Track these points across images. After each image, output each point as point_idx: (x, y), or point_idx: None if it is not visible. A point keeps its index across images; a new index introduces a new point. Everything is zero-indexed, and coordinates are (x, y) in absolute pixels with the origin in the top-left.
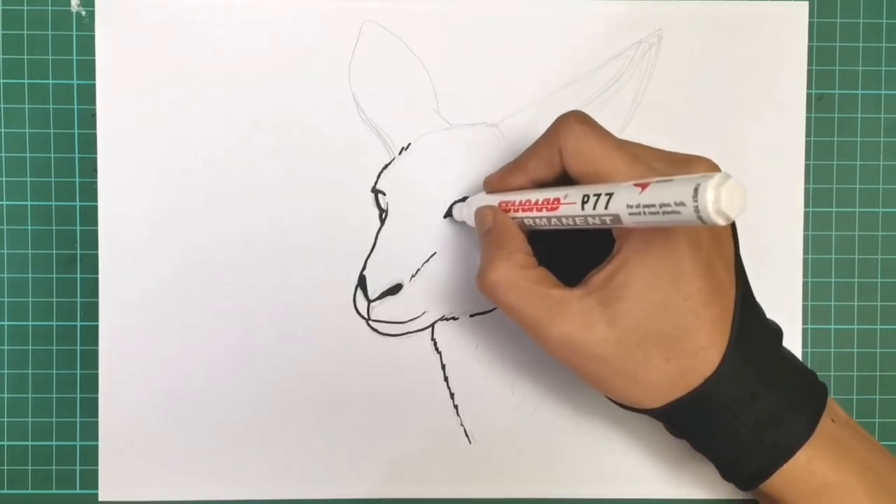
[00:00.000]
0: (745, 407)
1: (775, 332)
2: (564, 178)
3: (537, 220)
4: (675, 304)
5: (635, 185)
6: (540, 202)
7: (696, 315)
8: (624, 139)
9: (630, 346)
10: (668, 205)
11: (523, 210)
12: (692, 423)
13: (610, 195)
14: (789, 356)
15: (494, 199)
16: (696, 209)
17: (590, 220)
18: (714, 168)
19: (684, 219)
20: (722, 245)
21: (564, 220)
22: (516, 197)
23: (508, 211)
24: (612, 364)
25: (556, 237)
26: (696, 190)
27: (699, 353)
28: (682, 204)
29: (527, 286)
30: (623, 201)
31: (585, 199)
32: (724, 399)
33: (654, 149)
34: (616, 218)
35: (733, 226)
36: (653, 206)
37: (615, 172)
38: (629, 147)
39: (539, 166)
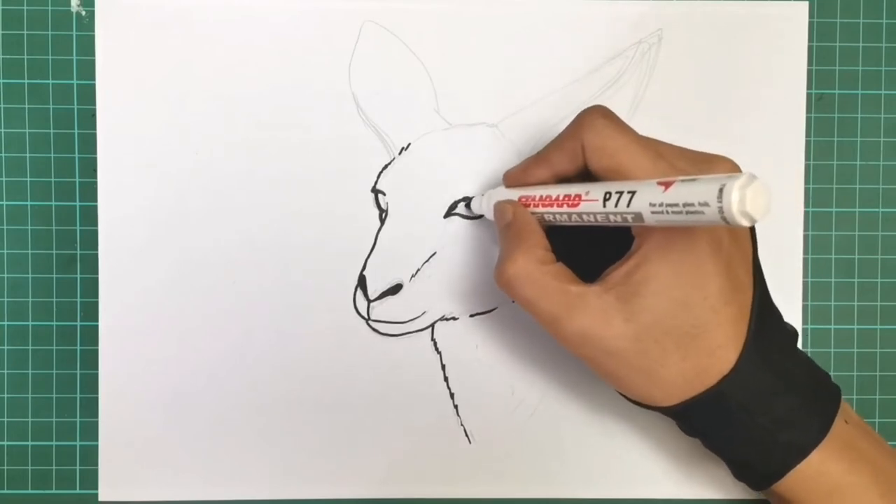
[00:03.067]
0: (760, 407)
1: (791, 333)
2: (587, 174)
3: (557, 216)
4: (694, 301)
5: (658, 183)
6: (560, 198)
7: (714, 313)
8: (646, 136)
9: (648, 342)
10: (691, 204)
11: (543, 205)
12: (706, 421)
13: (633, 193)
14: (804, 358)
15: (514, 194)
16: (721, 210)
17: (611, 217)
18: (736, 168)
19: (708, 219)
20: (741, 246)
21: (585, 217)
22: (536, 192)
23: (528, 206)
24: (629, 360)
25: (573, 233)
26: (720, 190)
27: (716, 351)
28: (706, 204)
29: (545, 281)
30: (646, 200)
31: (607, 196)
32: (740, 398)
33: (677, 147)
34: (638, 216)
35: (752, 228)
36: (676, 205)
37: (638, 169)
38: (652, 144)
39: (562, 160)
